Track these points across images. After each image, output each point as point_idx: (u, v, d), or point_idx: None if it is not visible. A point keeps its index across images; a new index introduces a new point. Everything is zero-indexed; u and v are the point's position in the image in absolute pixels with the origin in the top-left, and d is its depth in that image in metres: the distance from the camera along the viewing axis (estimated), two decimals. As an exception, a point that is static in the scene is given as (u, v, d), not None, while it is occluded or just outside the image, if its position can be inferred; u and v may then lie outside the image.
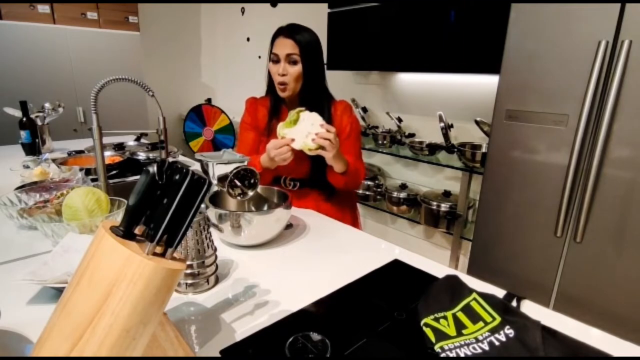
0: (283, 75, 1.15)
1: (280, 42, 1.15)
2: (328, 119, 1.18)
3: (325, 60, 1.27)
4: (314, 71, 1.18)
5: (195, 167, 1.38)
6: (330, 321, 0.65)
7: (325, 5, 2.35)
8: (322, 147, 1.04)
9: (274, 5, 3.24)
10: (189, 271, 0.71)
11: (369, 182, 2.40)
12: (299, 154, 1.22)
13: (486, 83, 1.96)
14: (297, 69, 1.15)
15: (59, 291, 0.68)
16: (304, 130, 1.05)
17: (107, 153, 1.55)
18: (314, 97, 1.20)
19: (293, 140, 1.05)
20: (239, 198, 0.89)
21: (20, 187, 1.07)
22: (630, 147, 1.18)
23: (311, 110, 1.08)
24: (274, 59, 1.17)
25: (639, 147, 1.17)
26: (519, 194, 1.45)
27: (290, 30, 1.15)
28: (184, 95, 3.95)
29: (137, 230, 0.46)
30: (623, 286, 1.26)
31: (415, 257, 0.88)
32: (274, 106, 1.26)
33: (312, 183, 1.26)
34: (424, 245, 2.47)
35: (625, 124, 1.18)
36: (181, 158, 1.77)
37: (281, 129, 1.08)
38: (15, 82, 2.60)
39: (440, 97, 2.22)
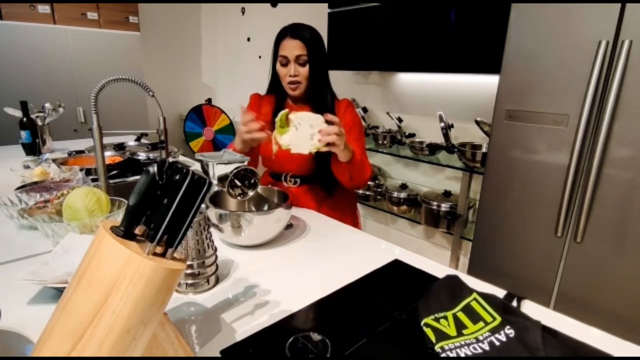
0: (295, 76, 1.16)
1: (288, 43, 1.15)
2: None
3: (326, 59, 1.27)
4: (320, 69, 1.19)
5: (196, 167, 1.38)
6: (331, 321, 0.65)
7: (325, 5, 2.35)
8: (331, 144, 1.01)
9: (274, 5, 3.24)
10: (189, 271, 0.71)
11: (369, 182, 2.40)
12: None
13: (486, 83, 1.96)
14: (308, 69, 1.16)
15: (60, 291, 0.68)
16: (306, 134, 1.01)
17: (108, 153, 1.55)
18: (321, 93, 1.22)
19: (265, 126, 1.04)
20: (239, 198, 0.89)
21: (21, 187, 1.08)
22: (630, 147, 1.18)
23: (314, 108, 1.06)
24: (283, 62, 1.16)
25: (639, 147, 1.17)
26: (519, 194, 1.45)
27: (295, 30, 1.15)
28: (184, 95, 3.95)
29: (138, 230, 0.46)
30: (623, 286, 1.26)
31: (416, 257, 0.88)
32: (279, 104, 1.25)
33: (313, 179, 1.26)
34: (424, 245, 2.47)
35: (626, 124, 1.18)
36: (181, 158, 1.77)
37: (278, 136, 1.03)
38: (15, 82, 2.60)
39: (440, 97, 2.22)
